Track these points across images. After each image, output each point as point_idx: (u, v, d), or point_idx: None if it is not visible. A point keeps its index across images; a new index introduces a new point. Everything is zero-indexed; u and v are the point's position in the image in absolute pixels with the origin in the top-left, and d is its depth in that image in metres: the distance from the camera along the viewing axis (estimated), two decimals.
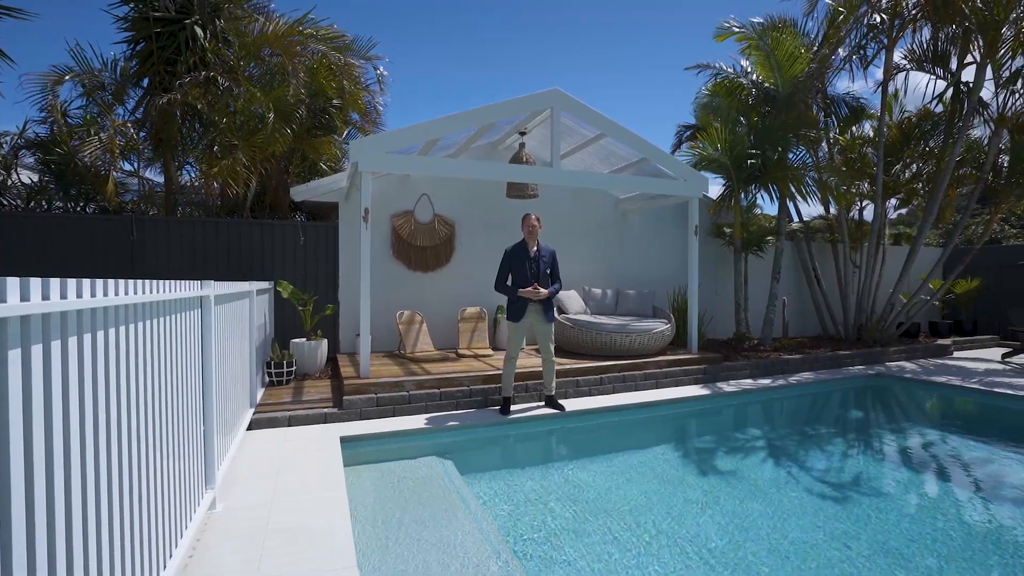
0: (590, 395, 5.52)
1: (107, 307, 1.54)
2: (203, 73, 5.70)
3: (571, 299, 7.10)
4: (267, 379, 5.34)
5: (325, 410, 4.48)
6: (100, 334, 1.48)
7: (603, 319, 6.61)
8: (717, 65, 8.92)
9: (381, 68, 7.56)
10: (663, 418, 5.33)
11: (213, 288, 2.72)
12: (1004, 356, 8.30)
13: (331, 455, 3.64)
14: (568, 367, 5.59)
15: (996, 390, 6.04)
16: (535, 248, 4.89)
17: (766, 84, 8.37)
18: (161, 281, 2.06)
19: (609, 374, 5.73)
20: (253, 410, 4.37)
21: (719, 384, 6.14)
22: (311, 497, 2.92)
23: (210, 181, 5.74)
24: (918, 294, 8.80)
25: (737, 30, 8.28)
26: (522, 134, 6.65)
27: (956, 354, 8.90)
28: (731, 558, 2.59)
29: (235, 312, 3.65)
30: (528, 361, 5.78)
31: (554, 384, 5.04)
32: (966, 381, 6.45)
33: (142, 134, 6.10)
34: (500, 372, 5.18)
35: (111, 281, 1.58)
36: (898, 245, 11.20)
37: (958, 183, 9.08)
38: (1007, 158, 8.51)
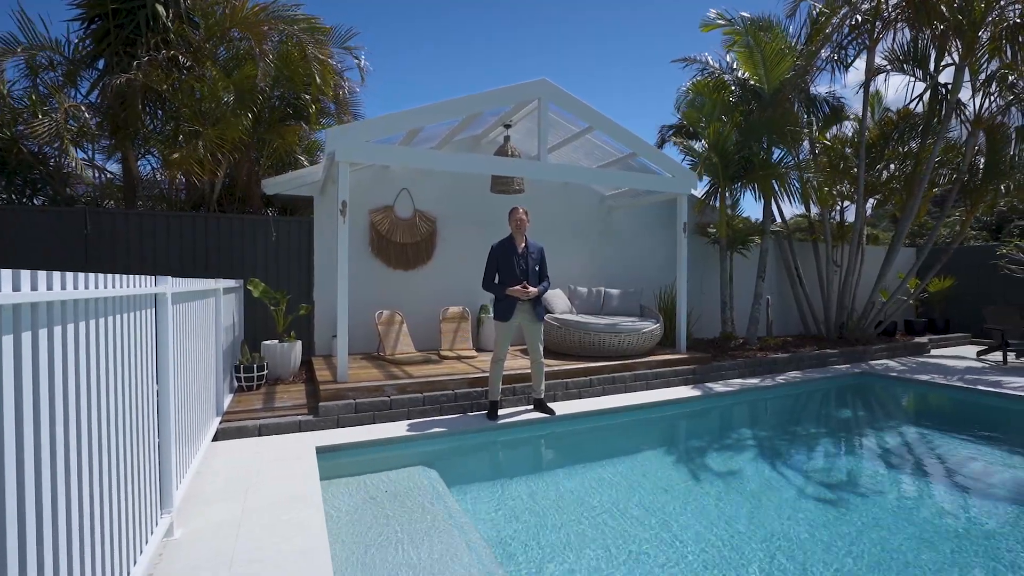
0: (580, 397, 5.32)
1: (36, 303, 1.26)
2: (164, 52, 5.26)
3: (557, 298, 6.89)
4: (236, 384, 4.97)
5: (299, 417, 4.16)
6: (26, 335, 1.18)
7: (591, 319, 6.42)
8: (703, 58, 8.85)
9: (363, 58, 7.19)
10: (657, 421, 5.16)
11: (170, 285, 2.40)
12: (979, 354, 8.45)
13: (306, 467, 3.34)
14: (556, 368, 5.37)
15: (979, 387, 6.07)
16: (523, 244, 4.66)
17: (751, 81, 8.33)
18: (107, 275, 1.76)
19: (598, 376, 5.53)
20: (220, 419, 4.01)
21: (709, 384, 6.02)
22: (284, 518, 2.62)
23: (173, 170, 5.32)
24: (897, 293, 8.89)
25: (723, 23, 8.20)
26: (507, 127, 6.41)
27: (933, 352, 9.03)
28: None
29: (198, 312, 3.32)
30: (514, 363, 5.55)
31: (543, 387, 4.81)
32: (950, 379, 6.48)
33: (97, 119, 5.62)
34: (486, 375, 4.94)
35: (42, 273, 1.30)
36: (868, 245, 11.35)
37: (933, 184, 9.19)
38: (982, 159, 8.65)
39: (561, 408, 4.88)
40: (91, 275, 1.61)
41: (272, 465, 3.36)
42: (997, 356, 8.35)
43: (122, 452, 1.87)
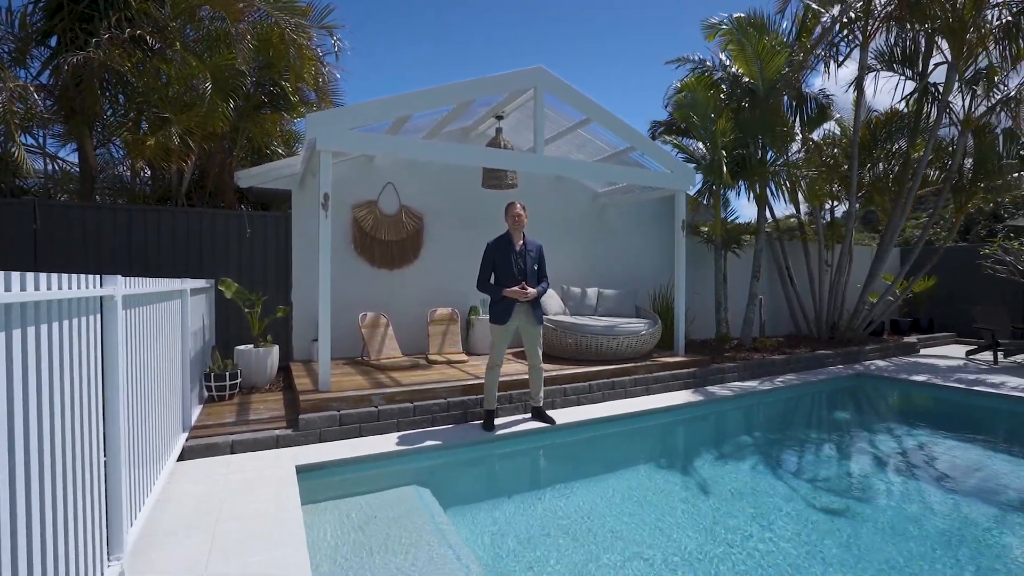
0: (579, 404, 5.03)
1: None
2: (127, 31, 4.77)
3: (550, 299, 6.59)
4: (206, 394, 4.54)
5: (277, 432, 3.77)
6: None
7: (587, 320, 6.14)
8: (696, 58, 8.67)
9: (337, 37, 6.73)
10: (662, 428, 4.90)
11: (120, 286, 2.01)
12: (968, 353, 8.45)
13: (285, 491, 2.97)
14: (554, 374, 5.07)
15: (976, 388, 5.99)
16: (521, 242, 4.35)
17: (746, 79, 8.16)
18: (34, 275, 1.39)
19: (598, 380, 5.25)
20: (187, 434, 3.60)
21: (710, 388, 5.79)
22: (260, 558, 2.25)
23: (138, 158, 4.84)
24: (887, 294, 8.85)
25: (715, 22, 8.02)
26: (499, 118, 6.09)
27: (922, 352, 9.02)
28: None
29: (160, 316, 2.92)
30: (509, 368, 5.22)
31: (542, 394, 4.50)
32: (947, 380, 6.39)
33: (49, 102, 5.09)
34: (480, 381, 4.62)
35: None
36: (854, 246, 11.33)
37: (924, 184, 9.18)
38: (969, 160, 8.65)
39: (561, 416, 4.58)
40: (5, 274, 1.24)
41: (246, 489, 2.97)
42: (986, 355, 8.36)
43: (52, 487, 1.49)
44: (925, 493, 3.45)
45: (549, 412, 4.59)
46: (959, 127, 8.32)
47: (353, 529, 2.77)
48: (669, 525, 2.89)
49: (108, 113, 5.48)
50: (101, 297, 1.92)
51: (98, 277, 1.87)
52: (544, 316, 6.09)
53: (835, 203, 9.69)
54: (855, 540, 2.72)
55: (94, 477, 1.83)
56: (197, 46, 5.43)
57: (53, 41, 5.31)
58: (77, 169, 5.80)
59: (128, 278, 2.19)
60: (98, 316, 1.90)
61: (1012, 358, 8.11)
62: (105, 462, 2.00)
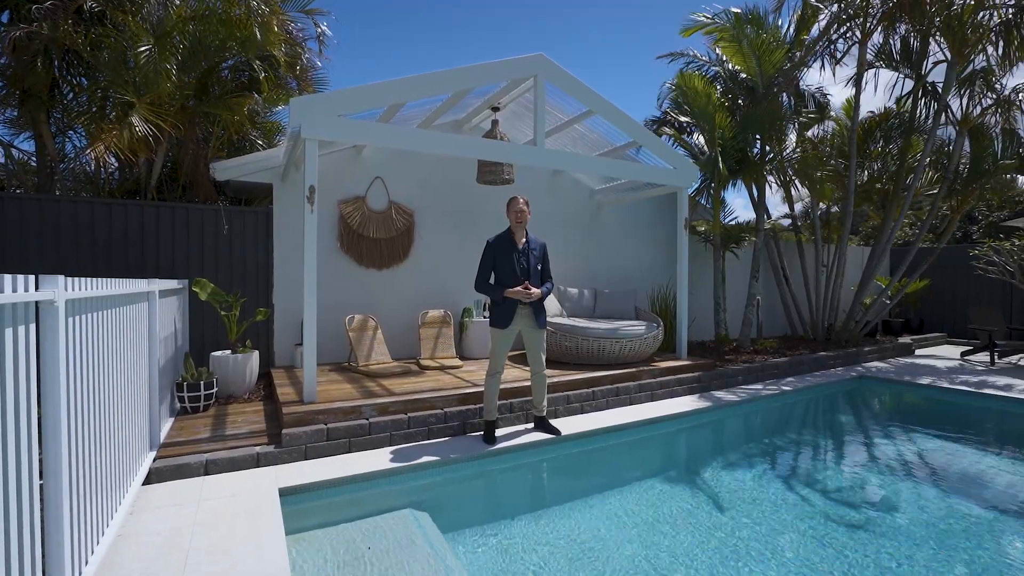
0: (583, 412, 4.73)
1: None
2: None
3: (547, 300, 6.30)
4: (178, 406, 4.14)
5: (257, 449, 3.40)
6: None
7: (587, 323, 5.85)
8: (691, 53, 8.47)
9: (324, 25, 6.33)
10: (676, 436, 4.64)
11: (62, 289, 1.65)
12: (963, 354, 8.40)
13: (267, 519, 2.61)
14: (556, 380, 4.76)
15: (985, 391, 5.86)
16: (524, 240, 4.04)
17: (743, 74, 7.97)
18: None
19: (601, 387, 4.97)
20: (154, 453, 3.22)
21: (716, 393, 5.55)
22: None
23: (98, 148, 4.41)
24: (883, 295, 8.77)
25: (705, 20, 7.77)
26: (495, 109, 5.77)
27: (918, 352, 8.96)
28: None
29: (121, 321, 2.54)
30: (507, 374, 4.90)
31: (545, 403, 4.20)
32: (952, 382, 6.26)
33: (0, 83, 4.62)
34: (478, 389, 4.31)
35: None
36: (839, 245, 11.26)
37: (922, 184, 9.12)
38: (965, 161, 8.59)
39: (565, 426, 4.28)
40: None
41: (222, 520, 2.61)
42: (981, 356, 8.32)
43: None
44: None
45: (553, 422, 4.29)
46: (956, 127, 8.25)
47: (345, 564, 2.43)
48: (711, 553, 2.61)
49: (69, 97, 5.01)
50: (36, 302, 1.56)
51: (32, 278, 1.52)
52: None
53: (831, 204, 9.59)
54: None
55: (24, 520, 1.47)
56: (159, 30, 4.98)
57: (5, 17, 4.83)
58: (35, 160, 5.31)
59: (75, 279, 1.83)
60: (31, 325, 1.54)
61: (1007, 359, 8.07)
62: (41, 496, 1.64)
